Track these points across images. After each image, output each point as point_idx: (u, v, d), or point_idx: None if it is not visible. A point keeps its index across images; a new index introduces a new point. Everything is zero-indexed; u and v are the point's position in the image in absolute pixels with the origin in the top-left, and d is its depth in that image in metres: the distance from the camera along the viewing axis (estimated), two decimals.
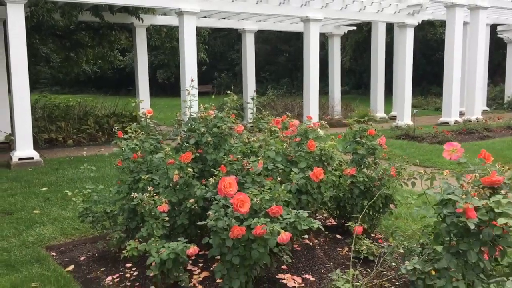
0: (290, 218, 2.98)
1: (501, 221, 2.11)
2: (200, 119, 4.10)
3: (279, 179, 3.58)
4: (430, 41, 26.68)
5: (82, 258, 4.34)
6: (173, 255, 3.16)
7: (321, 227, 2.98)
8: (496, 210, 2.16)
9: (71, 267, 4.12)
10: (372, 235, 4.53)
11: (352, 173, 4.26)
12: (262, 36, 32.00)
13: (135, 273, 3.90)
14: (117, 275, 3.91)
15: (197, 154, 3.96)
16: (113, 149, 4.77)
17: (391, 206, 4.46)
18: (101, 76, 32.59)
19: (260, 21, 15.32)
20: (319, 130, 4.68)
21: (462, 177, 2.59)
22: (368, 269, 3.63)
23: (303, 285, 3.48)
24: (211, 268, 3.67)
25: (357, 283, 3.18)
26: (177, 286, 3.48)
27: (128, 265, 4.07)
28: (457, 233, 2.30)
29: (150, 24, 13.53)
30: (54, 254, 4.46)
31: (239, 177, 3.59)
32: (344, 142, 4.64)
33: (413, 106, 23.05)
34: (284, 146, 3.90)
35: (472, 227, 2.15)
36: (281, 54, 35.70)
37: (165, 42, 13.81)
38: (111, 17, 12.10)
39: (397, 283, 3.41)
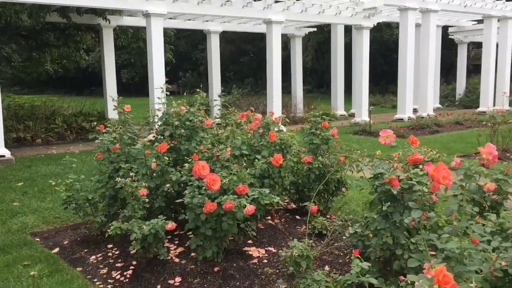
0: (254, 195, 3.53)
1: (416, 187, 2.71)
2: (173, 114, 4.59)
3: (244, 164, 4.12)
4: (388, 42, 27.81)
5: (66, 242, 4.75)
6: (154, 230, 3.65)
7: (280, 202, 3.54)
8: (413, 180, 2.76)
9: (56, 250, 4.53)
10: (328, 216, 5.14)
11: (309, 161, 4.85)
12: (226, 37, 32.46)
13: (117, 252, 4.36)
14: (100, 254, 4.37)
15: (172, 145, 4.46)
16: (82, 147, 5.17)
17: (343, 189, 5.09)
18: (63, 76, 32.28)
19: (224, 22, 15.82)
20: (279, 124, 5.27)
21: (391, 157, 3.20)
22: (322, 241, 4.22)
23: (266, 255, 4.04)
24: (186, 245, 4.17)
25: (312, 252, 3.76)
26: (156, 260, 3.97)
27: (110, 246, 4.53)
28: (385, 199, 2.89)
29: (117, 25, 13.82)
30: (38, 239, 4.85)
31: (210, 163, 4.12)
32: (302, 134, 5.23)
33: (372, 104, 24.08)
34: (249, 137, 4.44)
35: (395, 192, 2.75)
36: (245, 54, 36.27)
37: (131, 42, 14.11)
38: (78, 18, 12.33)
39: (345, 251, 4.02)
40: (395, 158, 3.08)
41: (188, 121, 4.45)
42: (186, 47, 37.09)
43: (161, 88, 4.82)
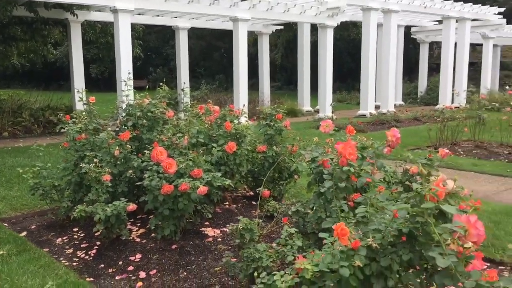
0: (208, 178, 3.90)
1: (346, 169, 3.13)
2: (136, 106, 4.91)
3: (201, 152, 4.49)
4: (354, 41, 28.56)
5: (33, 226, 5.02)
6: (116, 211, 3.98)
7: (231, 185, 3.92)
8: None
9: (24, 233, 4.80)
10: (282, 202, 5.55)
11: (263, 150, 5.25)
12: (196, 33, 32.62)
13: (82, 235, 4.67)
14: (66, 237, 4.67)
15: (134, 134, 4.78)
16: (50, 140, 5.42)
17: (295, 176, 5.51)
18: (30, 70, 31.81)
19: (193, 19, 16.09)
20: (239, 116, 5.66)
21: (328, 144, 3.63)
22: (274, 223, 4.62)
23: (221, 234, 4.42)
24: (147, 226, 4.51)
25: (262, 231, 4.16)
26: (119, 240, 4.29)
27: (75, 229, 4.83)
28: (320, 179, 3.31)
29: (85, 19, 13.91)
30: (6, 225, 5.10)
31: (169, 151, 4.46)
32: (258, 125, 5.63)
33: (338, 100, 24.80)
34: (206, 127, 4.81)
35: (326, 172, 3.16)
36: (215, 50, 36.50)
37: (99, 37, 14.22)
38: (45, 12, 12.39)
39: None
40: (329, 144, 3.50)
41: (150, 112, 4.78)
42: (156, 42, 37.08)
43: (125, 81, 5.12)
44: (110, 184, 4.27)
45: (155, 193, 3.84)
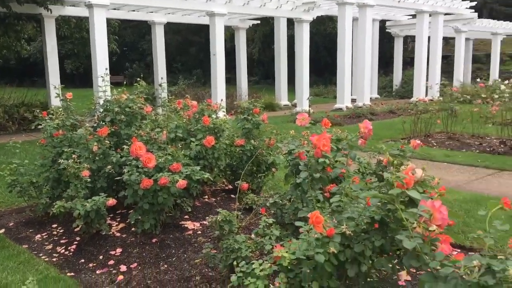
0: (187, 172, 3.96)
1: (322, 160, 3.23)
2: (114, 101, 4.92)
3: (180, 146, 4.53)
4: (331, 35, 28.78)
5: (11, 224, 5.00)
6: (96, 206, 4.00)
7: (210, 178, 3.99)
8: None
9: (1, 231, 4.77)
10: (261, 194, 5.64)
11: (241, 143, 5.32)
12: (173, 28, 32.37)
13: (61, 231, 4.68)
14: (45, 233, 4.66)
15: (113, 130, 4.80)
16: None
17: (273, 169, 5.60)
18: (3, 67, 31.11)
19: (169, 13, 16.00)
20: (217, 111, 5.72)
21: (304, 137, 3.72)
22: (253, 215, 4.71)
23: (200, 227, 4.48)
24: (127, 221, 4.54)
25: (241, 223, 4.23)
26: (99, 235, 4.32)
27: (54, 225, 4.83)
28: (296, 171, 3.40)
29: (59, 14, 13.71)
30: None
31: (148, 146, 4.50)
32: (236, 120, 5.69)
33: (315, 94, 25.02)
34: (184, 121, 4.85)
35: (302, 164, 3.26)
36: (192, 45, 36.28)
37: (74, 32, 14.05)
38: (18, 7, 12.16)
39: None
40: (305, 136, 3.60)
41: (128, 108, 4.80)
42: (132, 37, 36.65)
43: (102, 77, 5.12)
44: (89, 180, 4.28)
45: (135, 187, 3.88)
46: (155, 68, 15.97)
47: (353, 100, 17.01)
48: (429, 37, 18.64)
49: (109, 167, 4.47)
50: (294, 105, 17.94)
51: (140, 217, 4.12)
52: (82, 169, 4.28)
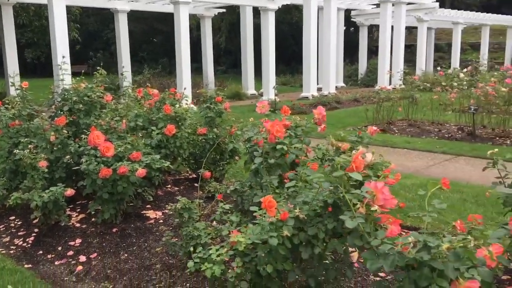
0: (147, 160, 3.94)
1: (280, 147, 3.27)
2: (72, 90, 4.83)
3: (141, 135, 4.50)
4: (298, 23, 28.90)
5: None
6: (53, 197, 3.93)
7: (171, 166, 3.98)
8: (277, 141, 3.32)
9: None
10: (224, 183, 5.66)
11: (204, 132, 5.32)
12: (138, 15, 31.75)
13: (19, 223, 4.58)
14: (2, 226, 4.56)
15: (71, 119, 4.71)
16: None
17: (236, 157, 5.62)
18: None
19: (132, 1, 15.71)
20: (180, 100, 5.69)
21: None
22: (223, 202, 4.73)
23: (162, 216, 4.47)
24: (88, 212, 4.49)
25: (203, 211, 4.25)
26: (58, 226, 4.26)
27: (12, 217, 4.73)
28: (254, 158, 3.44)
29: (17, 2, 13.25)
30: None
31: (108, 135, 4.44)
32: (199, 108, 5.68)
33: (283, 84, 25.12)
34: (144, 110, 4.81)
35: (259, 151, 3.30)
36: (158, 34, 35.75)
37: (33, 20, 13.62)
38: None
39: (233, 210, 4.56)
40: (264, 124, 3.63)
41: (86, 97, 4.72)
42: (96, 25, 35.77)
43: (59, 65, 5.01)
44: (46, 170, 4.20)
45: (93, 177, 3.83)
46: (118, 57, 15.68)
47: (319, 89, 17.17)
48: (392, 26, 18.94)
49: (67, 157, 4.40)
50: (261, 94, 17.97)
51: (100, 207, 4.08)
52: (39, 160, 4.19)
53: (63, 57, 5.22)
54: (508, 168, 3.30)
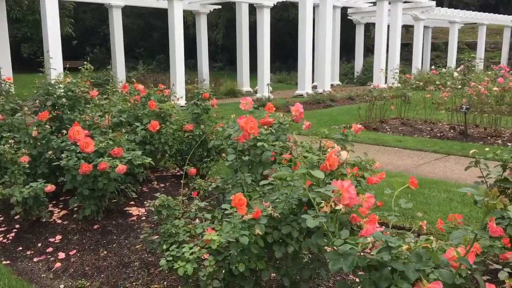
0: (128, 157, 3.89)
1: (260, 144, 3.23)
2: (57, 84, 4.78)
3: (124, 131, 4.45)
4: (295, 21, 28.78)
5: None
6: (33, 192, 3.89)
7: (152, 163, 3.94)
8: (258, 138, 3.29)
9: None
10: (208, 179, 5.62)
11: (190, 129, 5.27)
12: (135, 12, 31.66)
13: (1, 218, 4.53)
14: None
15: (55, 114, 4.66)
16: None
17: (223, 154, 5.58)
18: None
19: None
20: (170, 96, 5.64)
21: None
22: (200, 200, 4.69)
23: (145, 213, 4.43)
24: (69, 208, 4.44)
25: (186, 209, 4.21)
26: (39, 222, 4.21)
27: None
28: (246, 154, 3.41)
29: None
30: None
31: (92, 131, 4.40)
32: (186, 105, 5.64)
33: (279, 81, 25.08)
34: (129, 106, 4.76)
35: (241, 148, 3.26)
36: (155, 30, 35.61)
37: (26, 15, 13.52)
38: None
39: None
40: (246, 120, 3.59)
41: (71, 91, 4.67)
42: (92, 21, 35.58)
43: (40, 60, 4.96)
44: (27, 165, 4.15)
45: (73, 173, 3.79)
46: (113, 53, 15.59)
47: (315, 87, 17.13)
48: (389, 25, 18.89)
49: (50, 152, 4.35)
50: (256, 92, 17.92)
51: (80, 203, 4.03)
52: (21, 155, 4.14)
53: (47, 51, 5.14)
54: (494, 167, 3.28)
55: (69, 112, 4.69)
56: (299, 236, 2.44)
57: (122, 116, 4.57)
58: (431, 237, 1.47)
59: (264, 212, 2.36)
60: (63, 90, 4.65)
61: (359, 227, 2.59)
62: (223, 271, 2.49)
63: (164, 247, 2.70)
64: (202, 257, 2.57)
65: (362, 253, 1.61)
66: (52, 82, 4.87)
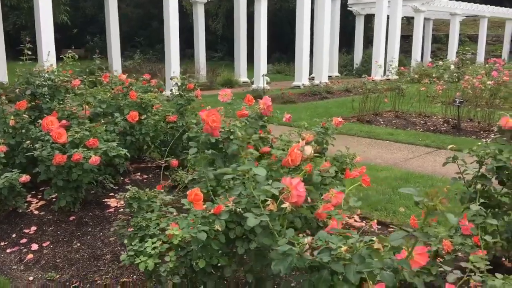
0: (104, 148, 3.83)
1: (235, 135, 3.17)
2: (36, 73, 4.71)
3: (103, 121, 4.39)
4: (295, 11, 28.57)
5: None
6: (8, 183, 3.84)
7: (128, 154, 3.88)
8: (231, 130, 3.22)
9: None
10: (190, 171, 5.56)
11: (173, 120, 5.20)
12: (134, 0, 31.46)
13: None
14: None
15: (34, 104, 4.60)
16: None
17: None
18: None
19: None
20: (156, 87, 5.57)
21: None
22: (180, 191, 4.64)
23: (123, 205, 4.37)
24: (47, 199, 4.40)
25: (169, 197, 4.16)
26: (15, 213, 4.17)
27: None
28: (208, 148, 3.35)
29: None
30: None
31: (71, 121, 4.33)
32: (171, 95, 5.57)
33: (278, 72, 24.94)
34: (108, 96, 4.69)
35: (213, 141, 3.19)
36: (154, 19, 35.36)
37: (21, 1, 13.40)
38: None
39: None
40: (222, 113, 3.53)
41: (50, 81, 4.60)
42: (93, 9, 35.33)
43: (21, 47, 4.88)
44: (2, 155, 4.10)
45: (47, 163, 3.73)
46: (108, 41, 15.46)
47: (312, 78, 17.02)
48: (389, 16, 18.71)
49: (27, 142, 4.30)
50: (253, 82, 17.82)
51: (56, 194, 3.98)
52: None
53: (29, 40, 5.06)
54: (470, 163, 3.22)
55: (48, 102, 4.62)
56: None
57: (101, 106, 4.50)
58: (375, 238, 1.41)
59: (226, 207, 2.30)
60: (43, 79, 4.57)
61: (325, 223, 2.54)
62: (184, 267, 2.44)
63: (125, 241, 2.65)
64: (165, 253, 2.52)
65: (311, 254, 1.55)
66: (34, 70, 4.80)
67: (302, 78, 15.78)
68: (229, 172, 2.03)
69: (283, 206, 1.72)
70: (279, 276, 2.72)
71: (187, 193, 2.13)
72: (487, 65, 11.15)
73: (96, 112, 4.51)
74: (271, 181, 2.33)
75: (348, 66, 23.70)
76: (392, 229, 4.19)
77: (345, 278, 1.39)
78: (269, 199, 1.79)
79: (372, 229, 4.17)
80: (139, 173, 5.43)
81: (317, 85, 15.37)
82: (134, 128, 4.63)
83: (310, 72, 17.95)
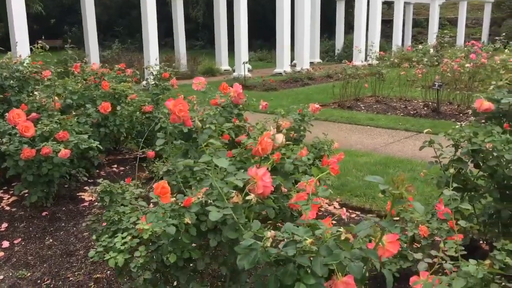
0: (74, 140, 3.72)
1: (204, 124, 3.09)
2: (4, 65, 4.54)
3: (74, 113, 4.26)
4: None
5: None
6: None
7: (100, 147, 3.77)
8: (204, 119, 3.14)
9: None
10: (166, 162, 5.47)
11: (149, 110, 5.09)
12: None
13: None
14: None
15: (2, 96, 4.44)
16: None
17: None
18: None
19: None
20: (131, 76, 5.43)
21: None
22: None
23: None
24: (19, 194, 4.27)
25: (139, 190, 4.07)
26: None
27: None
28: (182, 138, 3.26)
29: None
30: None
31: (42, 113, 4.20)
32: (146, 84, 5.44)
33: (260, 59, 24.80)
34: (79, 86, 4.56)
35: (186, 130, 3.11)
36: (133, 8, 34.78)
37: None
38: None
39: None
40: (194, 102, 3.43)
41: (18, 72, 4.44)
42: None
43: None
44: None
45: (16, 158, 3.61)
46: (85, 31, 15.13)
47: (294, 65, 16.93)
48: (368, 1, 18.65)
49: None
50: (234, 70, 17.67)
51: (27, 190, 3.86)
52: None
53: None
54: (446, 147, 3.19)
55: (17, 94, 4.47)
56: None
57: (72, 97, 4.37)
58: (341, 229, 1.36)
59: (196, 199, 2.22)
60: (11, 71, 4.42)
61: (299, 213, 2.48)
62: (155, 262, 2.36)
63: (94, 237, 2.56)
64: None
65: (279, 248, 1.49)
66: (1, 62, 4.64)
67: (283, 65, 15.68)
68: (191, 164, 1.95)
69: (248, 198, 1.66)
70: (255, 267, 2.67)
71: (153, 186, 2.04)
72: (465, 48, 11.18)
73: (68, 104, 4.38)
74: (241, 171, 2.27)
75: (329, 52, 23.66)
76: (371, 216, 4.17)
77: (312, 271, 1.33)
78: (234, 191, 1.72)
79: (352, 217, 4.15)
80: (115, 165, 5.32)
81: (298, 71, 15.30)
82: (108, 119, 4.51)
83: (292, 59, 17.86)
